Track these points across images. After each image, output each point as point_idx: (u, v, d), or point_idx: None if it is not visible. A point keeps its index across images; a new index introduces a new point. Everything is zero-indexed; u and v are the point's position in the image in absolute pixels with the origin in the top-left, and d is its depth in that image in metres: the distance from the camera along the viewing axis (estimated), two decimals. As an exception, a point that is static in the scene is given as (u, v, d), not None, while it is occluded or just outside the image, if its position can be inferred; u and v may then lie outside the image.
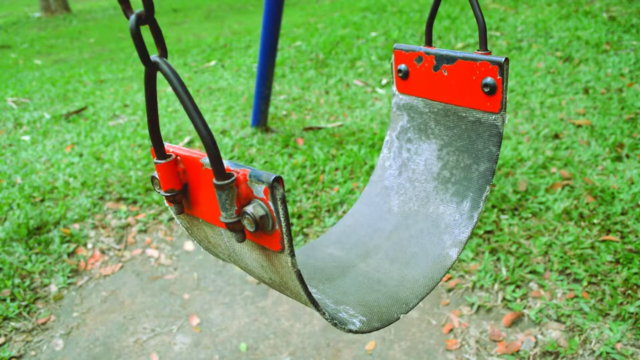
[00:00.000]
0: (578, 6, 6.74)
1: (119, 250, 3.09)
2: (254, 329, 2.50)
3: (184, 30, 9.94)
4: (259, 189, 0.68)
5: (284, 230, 0.69)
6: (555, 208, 2.94)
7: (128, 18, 0.70)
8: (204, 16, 11.41)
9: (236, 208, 0.70)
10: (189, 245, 3.10)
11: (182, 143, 4.19)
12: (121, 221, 3.30)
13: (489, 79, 1.07)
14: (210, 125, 4.47)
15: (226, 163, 0.71)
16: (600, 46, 5.18)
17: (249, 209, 0.69)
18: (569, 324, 2.29)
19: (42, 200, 3.55)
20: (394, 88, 1.27)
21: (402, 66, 1.22)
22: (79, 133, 4.63)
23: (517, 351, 2.21)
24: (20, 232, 3.16)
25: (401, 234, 1.19)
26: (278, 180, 0.66)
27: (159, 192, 0.80)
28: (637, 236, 2.67)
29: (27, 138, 4.66)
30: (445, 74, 1.14)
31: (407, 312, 1.02)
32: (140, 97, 5.49)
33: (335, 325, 0.87)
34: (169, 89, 5.65)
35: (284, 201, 0.67)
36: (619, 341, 2.17)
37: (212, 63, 6.65)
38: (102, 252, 3.07)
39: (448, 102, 1.17)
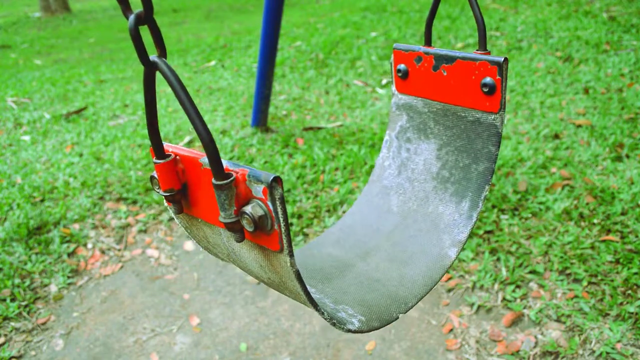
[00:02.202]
0: (578, 6, 6.73)
1: (119, 250, 3.09)
2: (254, 329, 2.50)
3: (184, 30, 9.94)
4: (258, 189, 0.68)
5: (282, 230, 0.69)
6: (555, 208, 2.94)
7: (127, 18, 0.71)
8: (204, 16, 11.41)
9: (235, 208, 0.70)
10: (189, 245, 3.10)
11: (182, 143, 4.19)
12: (121, 221, 3.30)
13: (488, 79, 1.07)
14: (210, 125, 4.47)
15: (225, 163, 0.72)
16: (600, 46, 5.18)
17: (248, 209, 0.69)
18: (569, 324, 2.29)
19: (42, 200, 3.55)
20: (394, 88, 1.27)
21: (402, 66, 1.22)
22: (79, 133, 4.63)
23: (517, 351, 2.22)
24: (20, 232, 3.16)
25: (400, 233, 1.19)
26: (277, 180, 0.66)
27: (158, 192, 0.80)
28: (637, 236, 2.67)
29: (27, 138, 4.66)
30: (445, 74, 1.14)
31: (406, 312, 1.02)
32: (140, 97, 5.49)
33: (334, 325, 0.87)
34: (169, 89, 5.65)
35: (283, 201, 0.68)
36: (619, 341, 2.17)
37: (212, 63, 6.65)
38: (102, 252, 3.07)
39: (447, 102, 1.17)
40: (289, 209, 3.20)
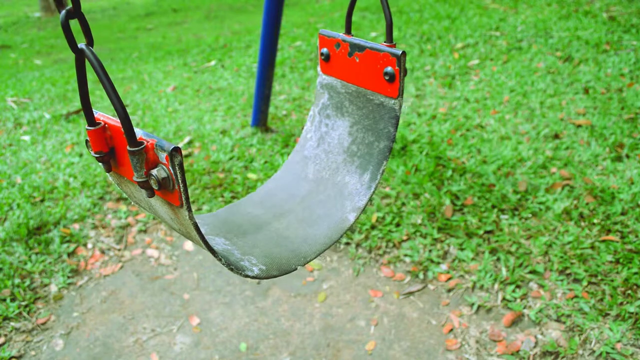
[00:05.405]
0: (578, 6, 6.73)
1: (119, 250, 3.09)
2: (254, 329, 2.50)
3: (184, 30, 9.94)
4: (162, 156, 0.83)
5: (181, 189, 0.85)
6: (555, 208, 2.94)
7: (60, 13, 0.83)
8: (204, 16, 11.41)
9: (145, 170, 0.85)
10: (189, 245, 3.10)
11: (182, 143, 4.20)
12: (121, 221, 3.30)
13: (389, 69, 1.20)
14: (210, 125, 4.47)
15: (140, 133, 0.86)
16: (600, 46, 5.18)
17: (154, 171, 0.85)
18: (569, 324, 2.29)
19: (42, 200, 3.55)
20: (319, 69, 1.41)
21: (325, 50, 1.36)
22: (79, 133, 4.63)
23: (517, 351, 2.22)
24: (20, 232, 3.16)
25: (312, 198, 1.35)
26: (176, 149, 0.81)
27: (90, 153, 0.94)
28: (637, 236, 2.67)
29: (27, 138, 4.66)
30: (357, 60, 1.28)
31: (304, 265, 1.18)
32: (140, 97, 5.49)
33: (232, 270, 1.02)
34: (169, 90, 5.66)
35: (182, 166, 0.82)
36: (619, 341, 2.17)
37: (212, 63, 6.65)
38: (102, 252, 3.07)
39: (359, 85, 1.31)
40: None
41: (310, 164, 1.41)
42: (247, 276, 1.05)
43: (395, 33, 6.72)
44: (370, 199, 1.45)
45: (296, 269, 1.15)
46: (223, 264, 1.00)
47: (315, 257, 1.20)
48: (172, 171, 0.83)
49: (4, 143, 4.61)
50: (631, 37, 5.32)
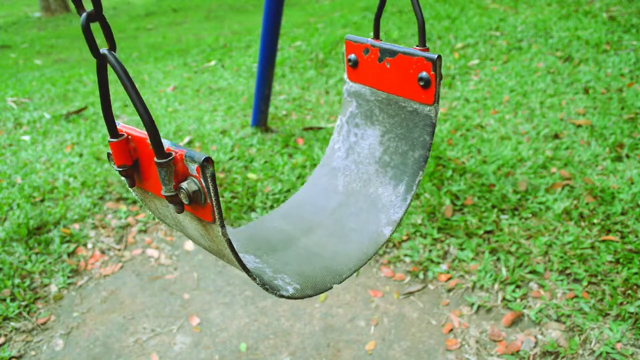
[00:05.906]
0: (578, 6, 6.73)
1: (119, 250, 3.09)
2: (254, 329, 2.50)
3: (184, 30, 9.94)
4: (193, 167, 0.77)
5: (214, 203, 0.79)
6: (555, 208, 2.94)
7: (80, 16, 0.79)
8: (204, 16, 11.41)
9: (174, 183, 0.80)
10: (189, 245, 3.10)
11: (182, 143, 4.19)
12: (121, 221, 3.30)
13: (423, 74, 1.14)
14: (210, 125, 4.47)
15: (167, 144, 0.81)
16: (600, 46, 5.18)
17: (184, 184, 0.79)
18: (569, 324, 2.29)
19: (42, 200, 3.55)
20: (345, 76, 1.35)
21: (352, 56, 1.30)
22: (79, 133, 4.63)
23: (517, 351, 2.22)
24: (20, 232, 3.16)
25: (343, 211, 1.29)
26: (208, 160, 0.75)
27: (113, 167, 0.88)
28: (637, 236, 2.67)
29: (27, 138, 4.66)
30: (388, 66, 1.22)
31: (340, 283, 1.11)
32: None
33: (266, 290, 0.96)
34: (169, 90, 5.65)
35: (214, 178, 0.77)
36: (619, 341, 2.17)
37: (212, 63, 6.65)
38: (102, 252, 3.07)
39: (390, 92, 1.25)
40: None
41: (339, 175, 1.34)
42: (282, 296, 0.98)
43: (395, 33, 6.72)
44: (406, 212, 1.41)
45: (332, 287, 1.09)
46: (257, 284, 0.94)
47: (351, 275, 1.13)
48: (203, 184, 0.77)
49: (4, 143, 4.61)
50: (631, 37, 5.32)
